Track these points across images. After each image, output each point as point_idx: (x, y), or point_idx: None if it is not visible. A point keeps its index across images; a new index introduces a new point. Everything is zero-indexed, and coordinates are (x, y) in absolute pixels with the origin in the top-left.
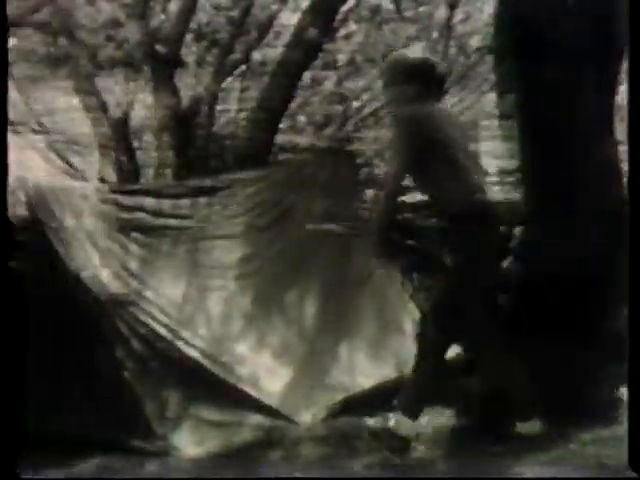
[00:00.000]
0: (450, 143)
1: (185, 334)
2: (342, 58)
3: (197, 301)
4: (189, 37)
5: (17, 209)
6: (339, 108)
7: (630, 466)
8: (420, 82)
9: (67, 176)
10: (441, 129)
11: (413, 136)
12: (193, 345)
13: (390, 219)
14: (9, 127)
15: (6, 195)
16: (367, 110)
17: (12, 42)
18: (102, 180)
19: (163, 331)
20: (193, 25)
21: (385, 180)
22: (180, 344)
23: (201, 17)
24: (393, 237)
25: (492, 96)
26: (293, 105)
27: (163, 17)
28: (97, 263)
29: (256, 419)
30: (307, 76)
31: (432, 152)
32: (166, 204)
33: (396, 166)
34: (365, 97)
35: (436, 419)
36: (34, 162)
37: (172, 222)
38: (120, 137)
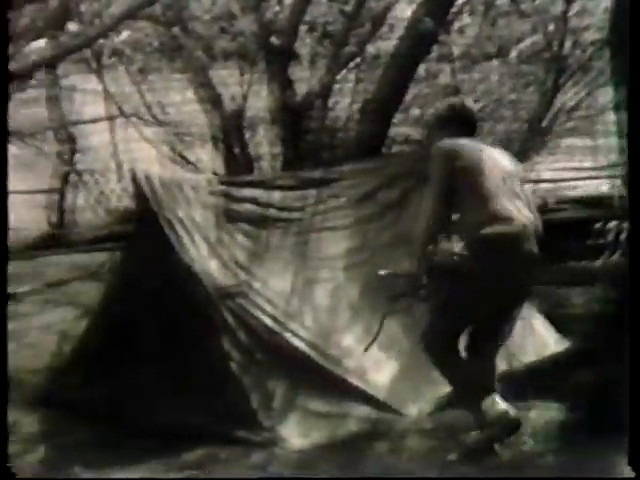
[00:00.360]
0: (476, 172)
1: (292, 326)
2: (456, 51)
3: (304, 293)
4: (303, 29)
5: (127, 200)
6: None
7: (630, 466)
8: (454, 124)
9: (179, 168)
10: (467, 159)
11: (442, 167)
12: (300, 337)
13: (427, 251)
14: (122, 119)
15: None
16: (481, 103)
17: (125, 34)
18: (213, 172)
19: (270, 322)
20: (307, 17)
21: (422, 213)
22: (287, 335)
23: (315, 9)
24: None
25: (607, 90)
26: (407, 98)
27: (277, 9)
28: (206, 254)
29: (362, 411)
30: (421, 69)
31: (457, 181)
32: (276, 196)
33: (432, 199)
34: (480, 90)
35: (546, 413)
36: (146, 154)
37: (281, 214)
38: (234, 129)
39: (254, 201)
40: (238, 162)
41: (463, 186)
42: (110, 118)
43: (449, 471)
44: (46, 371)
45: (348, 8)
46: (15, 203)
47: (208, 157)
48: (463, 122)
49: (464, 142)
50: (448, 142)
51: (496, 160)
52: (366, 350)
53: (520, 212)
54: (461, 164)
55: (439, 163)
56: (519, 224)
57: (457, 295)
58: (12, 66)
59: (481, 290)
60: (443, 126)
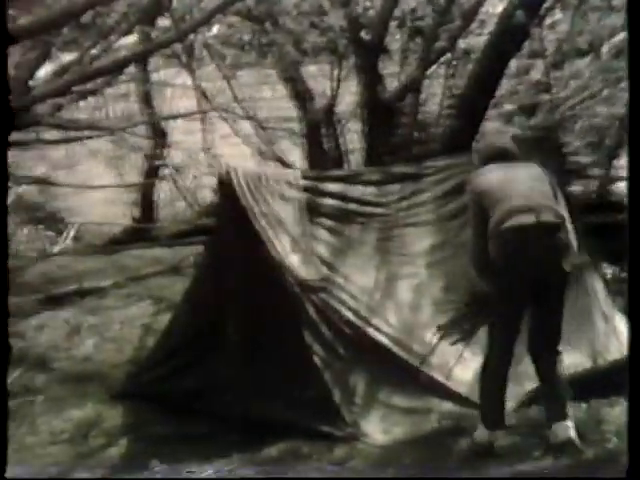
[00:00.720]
0: (492, 186)
1: (375, 321)
2: (548, 47)
3: (387, 288)
4: (393, 24)
5: (212, 195)
6: (546, 97)
7: (630, 466)
8: (494, 161)
9: (268, 162)
10: (482, 182)
11: (470, 203)
12: (383, 332)
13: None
14: (212, 114)
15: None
16: (574, 100)
17: (216, 29)
18: (302, 166)
19: (353, 317)
20: (397, 12)
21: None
22: (370, 330)
23: (406, 4)
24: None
25: None
26: (499, 93)
27: (367, 4)
28: (288, 249)
29: (446, 407)
30: (513, 65)
31: (484, 205)
32: (360, 191)
33: (472, 236)
34: (572, 86)
35: None
36: (236, 148)
37: (365, 209)
38: (324, 124)
39: (338, 196)
40: (329, 157)
41: (488, 205)
42: (201, 113)
43: (529, 465)
44: (129, 365)
45: (439, 2)
46: (102, 197)
47: (298, 152)
48: (502, 159)
49: (482, 170)
50: (470, 177)
51: (511, 169)
52: (420, 365)
53: (542, 206)
54: (480, 189)
55: (468, 200)
56: (538, 215)
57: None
58: (102, 62)
59: (509, 283)
60: (485, 163)
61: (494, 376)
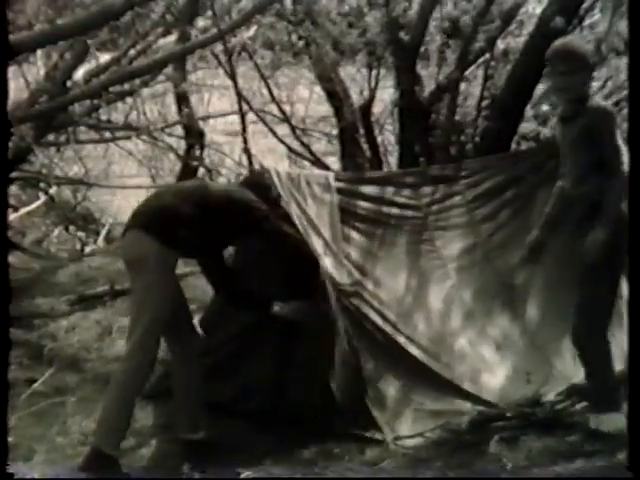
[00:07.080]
0: None
1: (404, 329)
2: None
3: (417, 294)
4: (432, 25)
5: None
6: None
7: (630, 468)
8: (587, 72)
9: (305, 163)
10: None
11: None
12: (413, 341)
13: None
14: (249, 114)
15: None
16: (611, 100)
17: (253, 30)
18: (338, 168)
19: (382, 324)
20: (436, 13)
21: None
22: (399, 339)
23: (445, 5)
24: None
25: None
26: (537, 94)
27: (406, 4)
28: (321, 251)
29: (477, 408)
30: None
31: None
32: (393, 193)
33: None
34: (609, 86)
35: None
36: (273, 149)
37: (398, 211)
38: (362, 125)
39: (371, 199)
40: (365, 158)
41: None
42: (238, 113)
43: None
44: (159, 365)
45: (477, 3)
46: (136, 198)
47: (336, 153)
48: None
49: None
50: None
51: None
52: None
53: None
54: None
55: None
56: None
57: None
58: (140, 62)
59: None
60: (579, 70)
61: None
